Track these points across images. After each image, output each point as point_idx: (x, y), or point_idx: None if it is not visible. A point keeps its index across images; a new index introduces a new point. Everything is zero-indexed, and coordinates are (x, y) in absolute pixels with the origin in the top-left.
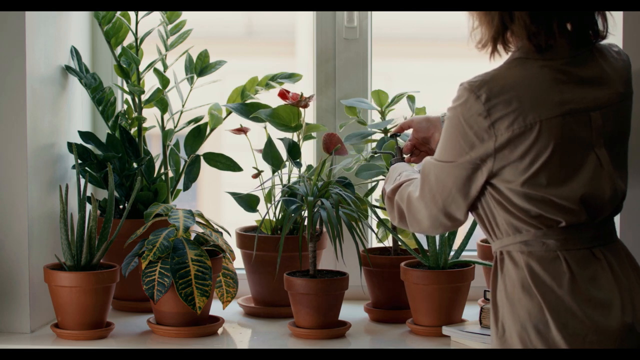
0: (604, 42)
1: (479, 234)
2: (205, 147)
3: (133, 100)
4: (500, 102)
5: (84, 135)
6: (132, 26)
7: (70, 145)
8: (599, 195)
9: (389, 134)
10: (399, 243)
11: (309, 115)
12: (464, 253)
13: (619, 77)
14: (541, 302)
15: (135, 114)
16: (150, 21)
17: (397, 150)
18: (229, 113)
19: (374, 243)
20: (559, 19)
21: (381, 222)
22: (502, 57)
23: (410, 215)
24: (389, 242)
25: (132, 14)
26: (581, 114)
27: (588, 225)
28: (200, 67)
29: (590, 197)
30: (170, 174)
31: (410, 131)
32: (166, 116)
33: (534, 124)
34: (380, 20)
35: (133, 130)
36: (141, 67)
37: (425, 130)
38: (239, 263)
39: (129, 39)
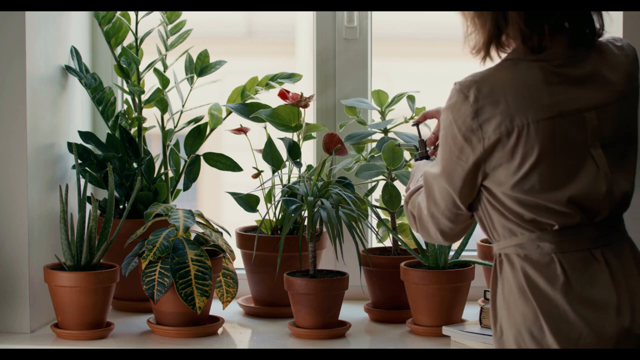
0: (607, 37)
1: (479, 234)
2: (205, 147)
3: (133, 100)
4: (488, 103)
5: (84, 135)
6: (132, 26)
7: (70, 145)
8: (592, 196)
9: (411, 124)
10: (399, 243)
11: (309, 115)
12: (463, 253)
13: (620, 73)
14: (535, 307)
15: (135, 114)
16: (150, 21)
17: (421, 143)
18: (229, 113)
19: (374, 243)
20: (552, 20)
21: (381, 222)
22: (495, 61)
23: (421, 228)
24: (389, 242)
25: (132, 14)
26: (574, 115)
27: (587, 226)
28: (200, 67)
29: (580, 197)
30: (170, 174)
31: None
32: (166, 116)
33: (522, 127)
34: (380, 20)
35: (133, 130)
36: (141, 67)
37: None
38: (239, 263)
39: (129, 39)
